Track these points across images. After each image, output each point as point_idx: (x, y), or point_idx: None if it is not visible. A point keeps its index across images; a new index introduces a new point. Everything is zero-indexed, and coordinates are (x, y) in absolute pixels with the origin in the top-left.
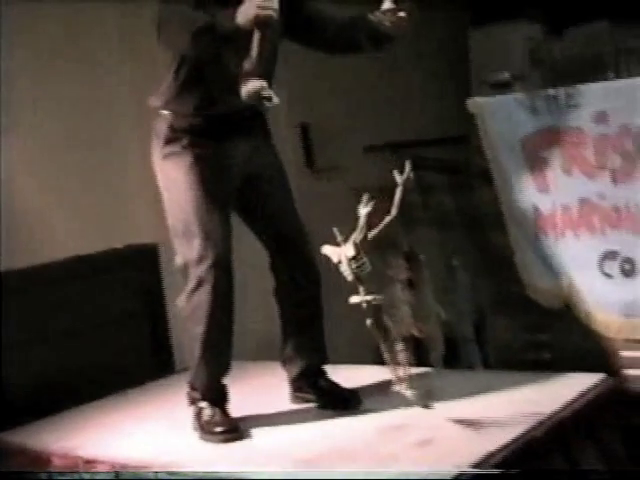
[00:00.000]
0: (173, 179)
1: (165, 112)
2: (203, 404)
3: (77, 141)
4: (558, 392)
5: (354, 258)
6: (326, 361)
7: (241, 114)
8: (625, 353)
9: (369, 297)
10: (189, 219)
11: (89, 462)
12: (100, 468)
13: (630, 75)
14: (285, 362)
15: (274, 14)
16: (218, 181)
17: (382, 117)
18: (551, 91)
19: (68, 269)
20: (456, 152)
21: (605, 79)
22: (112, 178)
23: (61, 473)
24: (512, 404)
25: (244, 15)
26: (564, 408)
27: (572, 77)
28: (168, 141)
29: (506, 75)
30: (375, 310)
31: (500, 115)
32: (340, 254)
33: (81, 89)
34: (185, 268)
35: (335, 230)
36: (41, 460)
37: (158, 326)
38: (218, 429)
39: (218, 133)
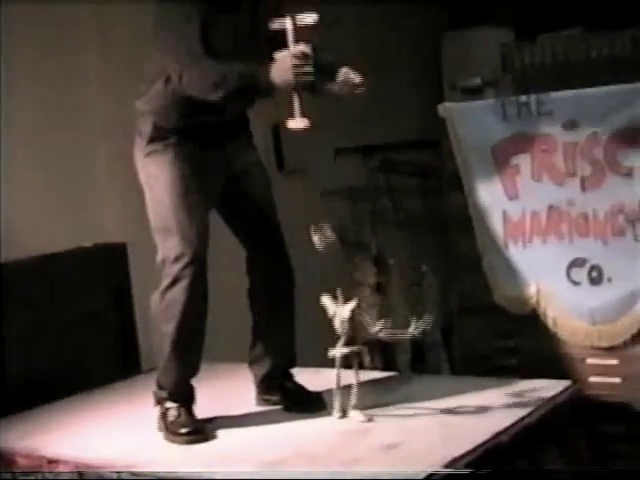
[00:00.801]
0: (154, 176)
1: (153, 115)
2: (169, 404)
3: (47, 140)
4: (524, 398)
5: (348, 321)
6: (294, 364)
7: (227, 120)
8: (591, 360)
9: (346, 350)
10: (168, 217)
11: (52, 462)
12: (63, 468)
13: (602, 83)
14: (252, 363)
15: (314, 78)
16: (199, 179)
17: (353, 120)
18: (522, 97)
19: (35, 267)
20: (427, 156)
21: (577, 87)
22: (81, 177)
23: (24, 473)
24: (479, 409)
25: (282, 78)
26: (530, 414)
27: (544, 84)
28: (151, 139)
29: (477, 81)
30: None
31: (471, 120)
32: (336, 311)
33: (51, 90)
34: (162, 265)
35: (338, 291)
36: (5, 460)
37: (126, 326)
38: (183, 430)
39: (203, 136)
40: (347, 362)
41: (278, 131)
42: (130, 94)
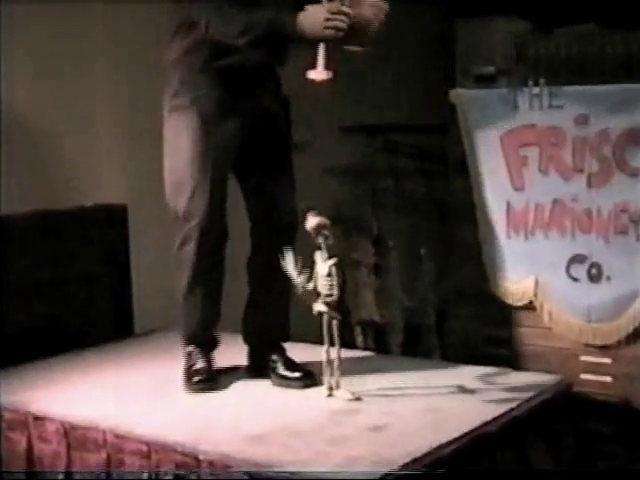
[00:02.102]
0: (174, 133)
1: (180, 65)
2: (190, 348)
3: (55, 99)
4: (515, 389)
5: (326, 277)
6: (287, 338)
7: (253, 66)
8: (584, 357)
9: (323, 307)
10: (183, 175)
11: (38, 418)
12: (49, 425)
13: (615, 81)
14: (246, 335)
15: (343, 34)
16: (219, 140)
17: (363, 99)
18: (535, 89)
19: (34, 223)
20: (433, 141)
21: (590, 82)
22: (86, 136)
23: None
24: (469, 397)
25: (311, 29)
26: (519, 406)
27: (557, 77)
28: (176, 94)
29: (491, 69)
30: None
31: (482, 108)
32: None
33: (54, 45)
34: (175, 223)
35: (322, 245)
36: None
37: (121, 288)
38: (195, 378)
39: (226, 95)
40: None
41: (287, 103)
42: (134, 50)
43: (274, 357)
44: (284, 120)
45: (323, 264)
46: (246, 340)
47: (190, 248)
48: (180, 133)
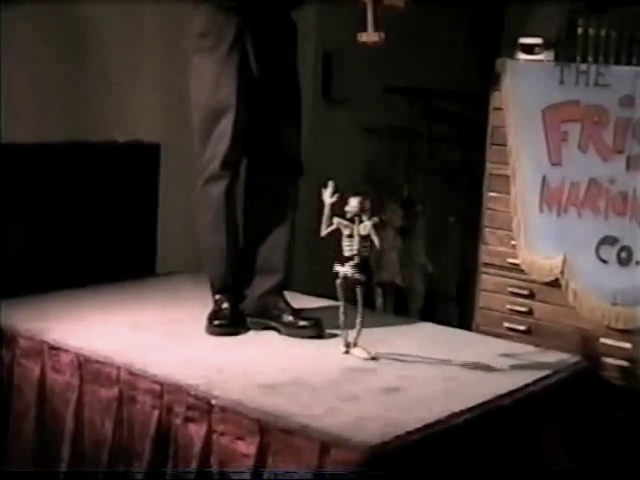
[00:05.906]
0: (198, 74)
1: (205, 5)
2: (217, 296)
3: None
4: (532, 366)
5: (364, 238)
6: (287, 284)
7: (274, 10)
8: (605, 340)
9: (356, 273)
10: (207, 117)
11: (53, 348)
12: (63, 356)
13: None
14: (242, 283)
15: None
16: (241, 83)
17: (406, 60)
18: (582, 66)
19: (65, 153)
20: (473, 109)
21: (639, 64)
22: (126, 74)
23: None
24: (486, 369)
25: None
26: (535, 382)
27: (606, 56)
28: (201, 35)
29: (539, 41)
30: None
31: (526, 80)
32: (354, 229)
33: None
34: (200, 161)
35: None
36: (6, 337)
37: (147, 227)
38: (215, 322)
39: (251, 31)
40: (351, 295)
41: (330, 58)
42: None
43: (279, 305)
44: (296, 66)
45: (359, 226)
46: (243, 289)
47: (213, 189)
48: (204, 75)
